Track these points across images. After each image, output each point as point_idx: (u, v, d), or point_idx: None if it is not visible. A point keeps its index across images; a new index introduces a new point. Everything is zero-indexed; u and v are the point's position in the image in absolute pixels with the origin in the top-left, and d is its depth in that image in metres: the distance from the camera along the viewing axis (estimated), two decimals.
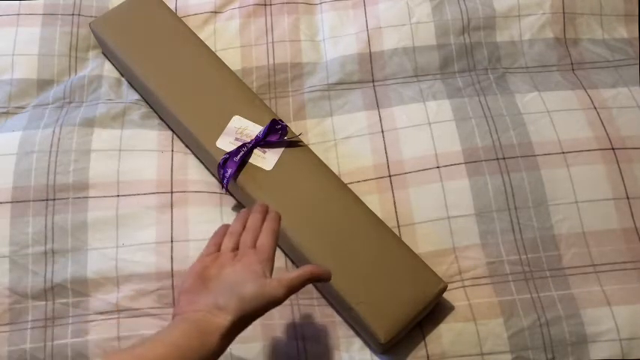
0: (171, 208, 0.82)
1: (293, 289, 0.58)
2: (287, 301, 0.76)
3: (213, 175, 0.85)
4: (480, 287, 0.77)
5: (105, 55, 0.96)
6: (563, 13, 0.95)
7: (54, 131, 0.86)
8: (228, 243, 0.63)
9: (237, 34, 0.96)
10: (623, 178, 0.81)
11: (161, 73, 0.87)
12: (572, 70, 0.93)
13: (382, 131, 0.87)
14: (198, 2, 1.00)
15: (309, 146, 0.84)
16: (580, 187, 0.81)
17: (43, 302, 0.77)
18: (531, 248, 0.79)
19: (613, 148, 0.83)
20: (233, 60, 0.93)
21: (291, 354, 0.74)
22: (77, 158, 0.84)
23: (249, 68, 0.94)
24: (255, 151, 0.81)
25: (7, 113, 0.90)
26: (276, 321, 0.76)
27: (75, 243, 0.79)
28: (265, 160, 0.80)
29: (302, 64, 0.94)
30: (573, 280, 0.77)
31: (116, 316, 0.76)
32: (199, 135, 0.82)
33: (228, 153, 0.80)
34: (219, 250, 0.63)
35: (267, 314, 0.76)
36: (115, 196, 0.82)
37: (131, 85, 0.93)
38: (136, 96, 0.92)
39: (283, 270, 0.79)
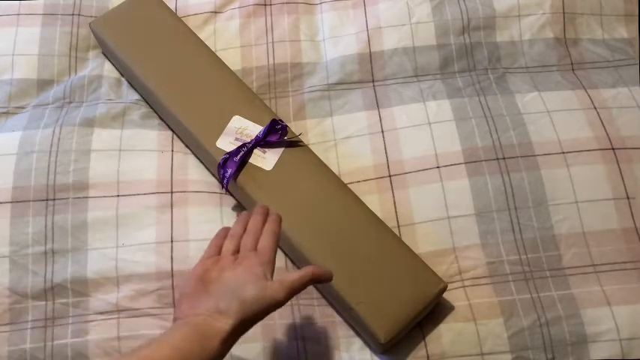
0: (172, 208, 0.82)
1: (294, 291, 0.58)
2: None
3: (213, 175, 0.85)
4: (480, 287, 0.77)
5: (105, 55, 0.96)
6: (563, 13, 0.95)
7: (54, 131, 0.86)
8: (229, 246, 0.63)
9: (237, 34, 0.96)
10: (623, 178, 0.81)
11: (161, 73, 0.87)
12: (572, 70, 0.93)
13: (382, 131, 0.87)
14: (198, 2, 1.00)
15: (309, 146, 0.84)
16: (580, 187, 0.81)
17: (43, 302, 0.77)
18: (531, 248, 0.79)
19: (613, 148, 0.83)
20: (233, 60, 0.93)
21: (292, 354, 0.74)
22: (77, 158, 0.84)
23: (249, 68, 0.94)
24: (255, 151, 0.81)
25: (7, 113, 0.90)
26: (277, 321, 0.76)
27: (75, 243, 0.79)
28: (265, 160, 0.80)
29: (302, 64, 0.94)
30: (573, 280, 0.77)
31: (116, 316, 0.76)
32: (199, 135, 0.82)
33: (228, 153, 0.80)
34: (219, 252, 0.63)
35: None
36: (115, 196, 0.82)
37: (131, 85, 0.93)
38: (136, 96, 0.92)
39: (283, 270, 0.79)
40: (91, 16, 0.98)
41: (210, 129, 0.82)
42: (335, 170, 0.84)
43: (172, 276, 0.78)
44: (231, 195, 0.84)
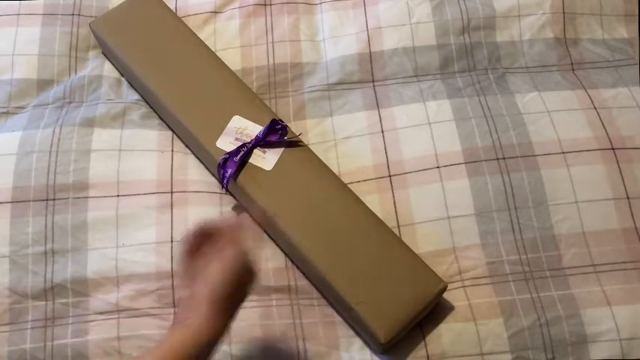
0: (171, 208, 0.82)
1: (239, 241, 0.58)
2: (287, 301, 0.77)
3: (213, 175, 0.85)
4: (480, 287, 0.77)
5: (105, 55, 0.96)
6: (563, 13, 0.95)
7: (54, 131, 0.86)
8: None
9: (237, 34, 0.96)
10: (623, 178, 0.81)
11: (161, 73, 0.87)
12: (572, 70, 0.93)
13: (382, 131, 0.87)
14: (198, 2, 0.99)
15: (309, 146, 0.84)
16: (580, 187, 0.81)
17: (43, 302, 0.77)
18: (531, 248, 0.79)
19: (613, 148, 0.83)
20: (233, 60, 0.93)
21: (292, 354, 0.74)
22: (77, 158, 0.84)
23: (249, 68, 0.94)
24: (255, 151, 0.81)
25: (7, 113, 0.90)
26: (276, 321, 0.76)
27: (75, 243, 0.79)
28: (265, 160, 0.80)
29: (302, 64, 0.94)
30: (573, 280, 0.77)
31: (116, 316, 0.76)
32: (199, 135, 0.82)
33: (228, 153, 0.80)
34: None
35: (266, 314, 0.76)
36: (115, 196, 0.82)
37: (131, 85, 0.93)
38: (136, 96, 0.92)
39: (283, 270, 0.79)
40: (91, 16, 0.98)
41: (210, 129, 0.82)
42: (335, 170, 0.84)
43: (172, 276, 0.77)
44: (231, 195, 0.84)
